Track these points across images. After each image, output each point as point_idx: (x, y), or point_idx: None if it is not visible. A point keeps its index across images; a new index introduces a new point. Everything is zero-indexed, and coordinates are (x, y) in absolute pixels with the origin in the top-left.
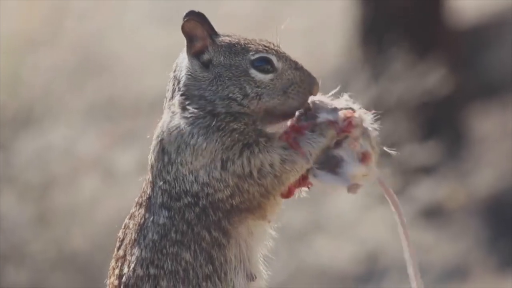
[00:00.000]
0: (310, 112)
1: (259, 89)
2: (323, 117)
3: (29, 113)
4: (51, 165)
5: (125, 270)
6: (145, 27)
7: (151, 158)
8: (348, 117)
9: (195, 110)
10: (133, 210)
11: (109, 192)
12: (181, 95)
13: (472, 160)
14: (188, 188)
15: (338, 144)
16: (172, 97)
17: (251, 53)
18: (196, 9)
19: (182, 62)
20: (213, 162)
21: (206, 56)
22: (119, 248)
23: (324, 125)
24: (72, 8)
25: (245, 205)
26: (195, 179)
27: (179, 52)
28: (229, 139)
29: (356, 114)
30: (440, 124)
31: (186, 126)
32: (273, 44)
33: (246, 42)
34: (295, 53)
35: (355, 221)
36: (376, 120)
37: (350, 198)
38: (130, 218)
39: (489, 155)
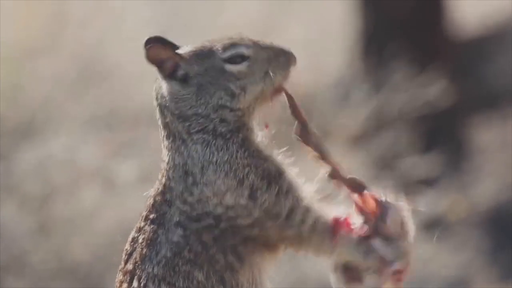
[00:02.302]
0: (377, 216)
1: (241, 81)
2: (379, 244)
3: (29, 123)
4: (51, 175)
5: (135, 284)
6: (145, 36)
7: (170, 182)
8: (400, 271)
9: (200, 134)
10: (142, 224)
11: (109, 202)
12: (177, 118)
13: (473, 171)
14: (211, 210)
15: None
16: (166, 125)
17: (219, 51)
18: (196, 20)
19: (161, 89)
20: (240, 187)
21: (181, 72)
22: (126, 262)
23: (374, 253)
24: (72, 17)
25: (262, 240)
26: (220, 202)
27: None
28: (247, 152)
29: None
30: (441, 136)
31: (203, 148)
32: (236, 36)
33: (210, 43)
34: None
35: None
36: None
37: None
38: (139, 232)
39: (490, 167)
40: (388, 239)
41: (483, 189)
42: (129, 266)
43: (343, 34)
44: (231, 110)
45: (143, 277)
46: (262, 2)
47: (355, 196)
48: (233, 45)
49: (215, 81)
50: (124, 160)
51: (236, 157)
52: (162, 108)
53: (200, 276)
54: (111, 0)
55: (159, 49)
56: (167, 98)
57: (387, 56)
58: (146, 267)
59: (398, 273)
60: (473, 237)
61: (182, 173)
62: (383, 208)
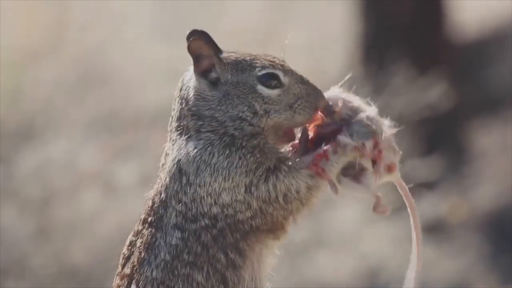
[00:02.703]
0: (334, 119)
1: (267, 105)
2: (346, 138)
3: (30, 127)
4: (51, 179)
5: None
6: (145, 40)
7: (165, 179)
8: (377, 143)
9: (209, 133)
10: (139, 227)
11: (109, 205)
12: (192, 115)
13: (474, 175)
14: (206, 210)
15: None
16: (179, 117)
17: (257, 69)
18: (197, 25)
19: (189, 81)
20: (236, 187)
21: (213, 75)
22: (124, 266)
23: (348, 148)
24: (73, 21)
25: (267, 226)
26: (215, 202)
27: (181, 66)
28: (252, 158)
29: (382, 136)
30: (441, 139)
31: (205, 147)
32: (279, 59)
33: (251, 58)
34: (297, 68)
35: (356, 235)
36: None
37: (351, 213)
38: (136, 236)
39: (490, 170)
40: (347, 125)
41: (484, 192)
42: (127, 270)
43: (344, 38)
44: (251, 124)
45: (141, 281)
46: (264, 6)
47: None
48: (272, 66)
49: (243, 96)
50: (124, 163)
51: (237, 165)
52: (182, 99)
53: (199, 277)
54: (112, 5)
55: (202, 44)
56: (190, 92)
57: (388, 60)
58: (145, 271)
59: (374, 148)
60: (474, 241)
61: (176, 171)
62: (327, 107)
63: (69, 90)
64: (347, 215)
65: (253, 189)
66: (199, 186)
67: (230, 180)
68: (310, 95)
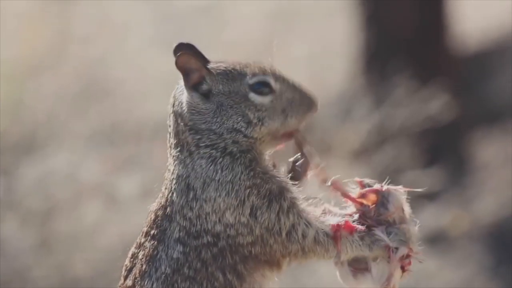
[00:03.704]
0: (376, 209)
1: (260, 112)
2: (382, 234)
3: (31, 139)
4: (53, 191)
5: None
6: (147, 52)
7: (171, 194)
8: (410, 254)
9: (209, 149)
10: (142, 240)
11: (111, 217)
12: (189, 130)
13: (475, 186)
14: (209, 227)
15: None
16: (177, 133)
17: (248, 77)
18: (198, 37)
19: (181, 96)
20: (241, 206)
21: (204, 87)
22: (126, 278)
23: (380, 243)
24: (75, 34)
25: (265, 257)
26: (219, 220)
27: (181, 78)
28: (252, 172)
29: (414, 249)
30: (443, 151)
31: (207, 165)
32: (269, 66)
33: (241, 66)
34: (298, 80)
35: None
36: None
37: None
38: (139, 248)
39: (492, 182)
40: (389, 227)
41: (485, 204)
42: (129, 282)
43: (345, 50)
44: (245, 136)
45: None
46: (266, 19)
47: (353, 192)
48: (263, 73)
49: (236, 105)
50: (126, 175)
51: (239, 178)
52: (177, 115)
53: None
54: (114, 17)
55: (189, 58)
56: (184, 107)
57: (389, 71)
58: (145, 283)
59: (405, 258)
60: (475, 252)
61: (184, 187)
62: (383, 196)
63: (71, 102)
64: None
65: (258, 213)
66: (205, 201)
67: (234, 195)
68: (303, 99)
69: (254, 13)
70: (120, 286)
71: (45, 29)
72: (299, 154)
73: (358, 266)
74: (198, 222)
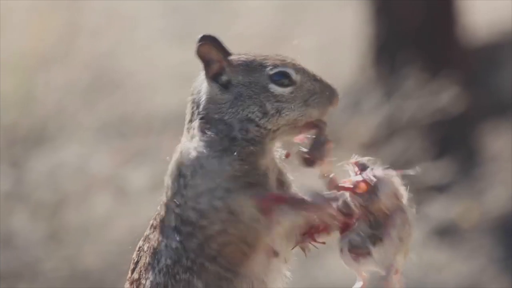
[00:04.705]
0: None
1: (279, 103)
2: (356, 236)
3: (41, 131)
4: (63, 183)
5: None
6: (157, 45)
7: (167, 181)
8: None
9: (213, 134)
10: (147, 232)
11: (121, 210)
12: (201, 118)
13: (485, 178)
14: (191, 214)
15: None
16: (191, 120)
17: (268, 68)
18: (207, 30)
19: (201, 85)
20: (216, 189)
21: (224, 78)
22: (133, 271)
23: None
24: (85, 26)
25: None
26: (195, 206)
27: (192, 70)
28: (239, 167)
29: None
30: (453, 143)
31: (203, 149)
32: (290, 58)
33: (262, 58)
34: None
35: None
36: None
37: None
38: (144, 241)
39: (502, 174)
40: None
41: (495, 195)
42: (135, 275)
43: (354, 43)
44: (257, 125)
45: (146, 285)
46: (275, 11)
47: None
48: (283, 65)
49: (255, 96)
50: (135, 168)
51: (224, 169)
52: (194, 104)
53: (199, 284)
54: (123, 9)
55: (211, 48)
56: (202, 96)
57: (399, 63)
58: (150, 275)
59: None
60: (485, 244)
61: (176, 172)
62: (373, 185)
63: (80, 94)
64: None
65: (232, 196)
66: (191, 187)
67: (212, 182)
68: (324, 91)
69: (264, 5)
70: (128, 279)
71: (55, 22)
72: (313, 141)
73: (358, 251)
74: (186, 208)
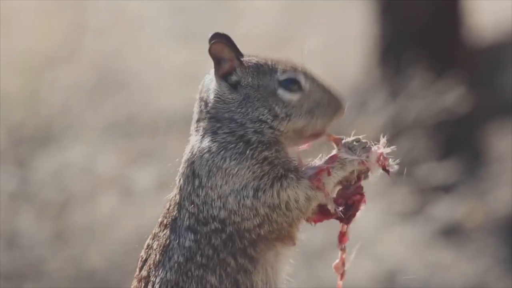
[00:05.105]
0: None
1: (287, 109)
2: (347, 153)
3: (47, 131)
4: (69, 183)
5: None
6: (163, 45)
7: (179, 181)
8: (381, 153)
9: (226, 135)
10: (156, 230)
11: (127, 210)
12: (211, 117)
13: (491, 178)
14: (216, 213)
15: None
16: (199, 120)
17: (279, 73)
18: (214, 29)
19: (210, 84)
20: (244, 189)
21: (234, 78)
22: (141, 269)
23: (355, 162)
24: (90, 26)
25: (274, 235)
26: (223, 205)
27: (198, 70)
28: (260, 169)
29: (380, 144)
30: (458, 143)
31: (218, 150)
32: (301, 65)
33: (273, 62)
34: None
35: (373, 239)
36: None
37: (368, 217)
38: (153, 239)
39: (507, 174)
40: (347, 143)
41: (500, 195)
42: (144, 273)
43: (360, 42)
44: (271, 127)
45: (157, 283)
46: (281, 10)
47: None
48: (294, 71)
49: (263, 99)
50: (141, 168)
51: (245, 173)
52: (202, 102)
53: (213, 280)
54: (130, 9)
55: (223, 47)
56: (210, 95)
57: (404, 63)
58: (160, 273)
59: (380, 158)
60: (491, 244)
61: (190, 173)
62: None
63: (86, 94)
64: (364, 219)
65: (260, 194)
66: (211, 188)
67: (238, 184)
68: (331, 101)
69: (269, 5)
70: (135, 277)
71: (61, 22)
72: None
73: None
74: (204, 208)
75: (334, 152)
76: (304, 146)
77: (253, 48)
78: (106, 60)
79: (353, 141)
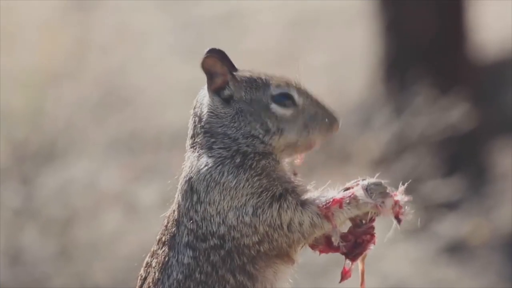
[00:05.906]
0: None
1: (280, 123)
2: (364, 195)
3: (51, 147)
4: (73, 199)
5: None
6: (167, 61)
7: (177, 197)
8: (397, 201)
9: (222, 150)
10: (155, 248)
11: (131, 226)
12: (205, 132)
13: (495, 195)
14: (215, 229)
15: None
16: (193, 135)
17: (272, 87)
18: (218, 45)
19: (203, 99)
20: (244, 207)
21: (227, 92)
22: (141, 287)
23: (369, 205)
24: (94, 42)
25: (274, 252)
26: (223, 221)
27: (201, 86)
28: (258, 183)
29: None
30: (463, 159)
31: (215, 165)
32: (294, 80)
33: (266, 77)
34: (318, 89)
35: (378, 256)
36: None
37: None
38: (152, 256)
39: None
40: (366, 184)
41: (505, 213)
42: None
43: (365, 58)
44: (262, 142)
45: None
46: (285, 27)
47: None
48: (287, 86)
49: (256, 113)
50: (145, 184)
51: (243, 186)
52: (196, 117)
53: None
54: (133, 25)
55: (215, 61)
56: (204, 109)
57: (409, 80)
58: None
59: (395, 206)
60: (495, 261)
61: (188, 189)
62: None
63: (90, 111)
64: None
65: (259, 212)
66: (209, 204)
67: (237, 200)
68: (325, 116)
69: (274, 21)
70: None
71: (65, 38)
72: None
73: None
74: (203, 224)
75: (351, 184)
76: (297, 162)
77: (257, 65)
78: (110, 77)
79: (373, 183)
